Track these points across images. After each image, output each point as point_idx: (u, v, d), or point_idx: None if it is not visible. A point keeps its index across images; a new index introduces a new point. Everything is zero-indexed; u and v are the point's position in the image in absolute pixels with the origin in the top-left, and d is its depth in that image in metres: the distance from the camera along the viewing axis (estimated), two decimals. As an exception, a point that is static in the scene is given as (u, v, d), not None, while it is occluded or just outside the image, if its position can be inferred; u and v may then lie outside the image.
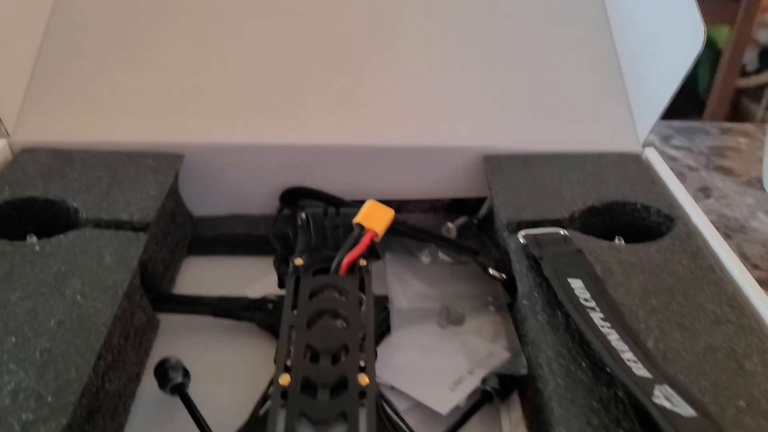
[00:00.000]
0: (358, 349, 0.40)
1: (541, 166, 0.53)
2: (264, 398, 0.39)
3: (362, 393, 0.37)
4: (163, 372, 0.41)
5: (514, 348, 0.44)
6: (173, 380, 0.40)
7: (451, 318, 0.46)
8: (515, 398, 0.43)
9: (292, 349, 0.40)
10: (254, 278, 0.53)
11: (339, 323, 0.42)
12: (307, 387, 0.38)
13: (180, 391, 0.40)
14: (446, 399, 0.42)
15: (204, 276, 0.55)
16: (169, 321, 0.49)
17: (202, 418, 0.38)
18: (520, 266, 0.43)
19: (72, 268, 0.41)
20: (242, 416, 0.38)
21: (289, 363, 0.39)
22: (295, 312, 0.43)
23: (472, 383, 0.43)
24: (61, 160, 0.52)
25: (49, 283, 0.40)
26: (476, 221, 0.56)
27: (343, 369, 0.38)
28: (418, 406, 0.42)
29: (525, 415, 0.42)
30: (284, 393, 0.37)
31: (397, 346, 0.45)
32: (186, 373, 0.41)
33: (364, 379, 0.38)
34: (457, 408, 0.42)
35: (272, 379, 0.39)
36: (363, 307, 0.44)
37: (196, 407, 0.39)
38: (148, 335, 0.46)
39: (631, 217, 0.49)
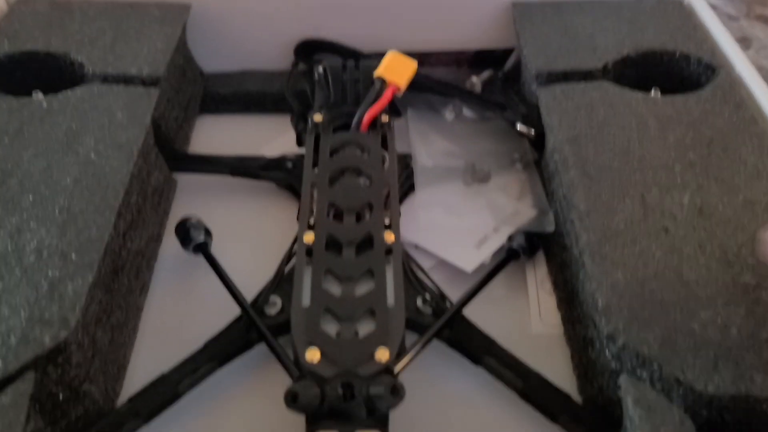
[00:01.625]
0: (383, 206, 0.39)
1: (574, 13, 0.49)
2: (288, 257, 0.39)
3: (388, 250, 0.37)
4: (184, 231, 0.40)
5: (541, 206, 0.43)
6: (195, 239, 0.40)
7: (477, 175, 0.45)
8: (540, 256, 0.43)
9: (314, 207, 0.39)
10: (270, 137, 0.51)
11: (362, 181, 0.41)
12: (332, 245, 0.37)
13: (203, 249, 0.40)
14: (472, 257, 0.41)
15: (218, 135, 0.53)
16: (186, 181, 0.48)
17: (227, 276, 0.38)
18: (550, 119, 0.41)
19: (83, 125, 0.40)
20: (266, 275, 0.38)
21: (312, 221, 0.38)
22: (316, 170, 0.42)
23: (497, 241, 0.42)
24: (59, 12, 0.48)
25: (61, 140, 0.39)
26: (502, 75, 0.53)
27: (367, 227, 0.37)
28: (443, 265, 0.42)
29: (550, 272, 0.41)
30: (309, 251, 0.37)
31: (421, 205, 0.44)
32: (208, 232, 0.40)
33: (389, 237, 0.37)
34: (482, 266, 0.41)
35: (296, 238, 0.39)
36: (386, 165, 0.42)
37: (220, 265, 0.39)
38: (166, 195, 0.45)
39: (669, 68, 0.46)
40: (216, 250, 0.40)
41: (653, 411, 0.27)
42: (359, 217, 0.39)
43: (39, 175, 0.36)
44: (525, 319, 0.40)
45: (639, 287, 0.31)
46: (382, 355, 0.32)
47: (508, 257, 0.40)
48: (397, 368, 0.32)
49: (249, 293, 0.37)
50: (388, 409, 0.30)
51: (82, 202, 0.35)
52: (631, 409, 0.27)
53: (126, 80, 0.44)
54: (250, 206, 0.47)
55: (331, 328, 0.33)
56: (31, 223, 0.34)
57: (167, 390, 0.34)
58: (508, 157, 0.47)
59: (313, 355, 0.32)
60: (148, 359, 0.37)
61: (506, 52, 0.53)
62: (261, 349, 0.36)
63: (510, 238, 0.41)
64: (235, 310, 0.36)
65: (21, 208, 0.34)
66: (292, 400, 0.30)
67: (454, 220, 0.44)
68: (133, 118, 0.40)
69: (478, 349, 0.36)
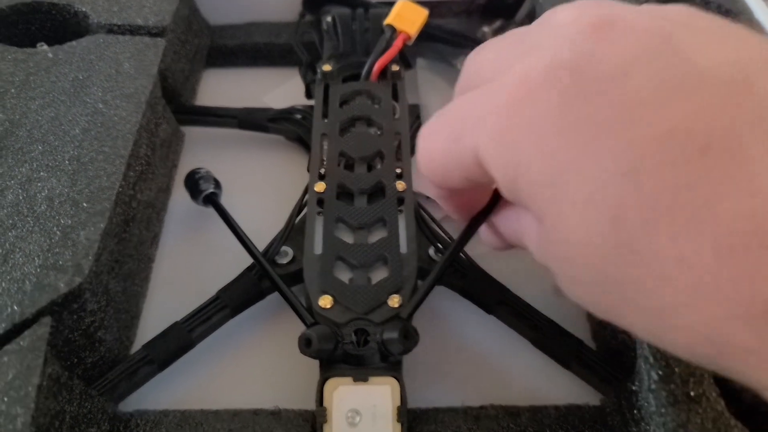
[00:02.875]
0: (394, 156, 0.39)
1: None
2: (299, 207, 0.38)
3: (400, 199, 0.36)
4: (193, 182, 0.40)
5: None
6: (205, 190, 0.39)
7: None
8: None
9: (325, 157, 0.39)
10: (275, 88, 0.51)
11: (373, 131, 0.40)
12: (343, 194, 0.37)
13: (212, 200, 0.40)
14: None
15: (225, 88, 0.52)
16: (193, 134, 0.48)
17: (238, 226, 0.38)
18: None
19: (90, 75, 0.39)
20: (276, 226, 0.38)
21: (323, 171, 0.38)
22: (325, 120, 0.41)
23: None
24: (61, -39, 0.47)
25: (68, 91, 0.38)
26: (514, 25, 0.51)
27: (379, 175, 0.37)
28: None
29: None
30: (320, 200, 0.36)
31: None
32: (217, 184, 0.40)
33: (401, 185, 0.37)
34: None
35: (306, 189, 0.38)
36: (397, 114, 0.41)
37: (230, 216, 0.39)
38: (174, 148, 0.45)
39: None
40: (226, 201, 0.40)
41: (669, 352, 0.27)
42: (370, 167, 0.38)
43: (47, 125, 0.36)
44: (540, 270, 0.40)
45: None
46: (396, 301, 0.32)
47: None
48: (405, 313, 0.32)
49: (260, 244, 0.37)
50: (402, 353, 0.30)
51: (91, 152, 0.35)
52: (646, 348, 0.27)
53: (131, 30, 0.43)
54: (259, 159, 0.46)
55: (343, 275, 0.33)
56: (41, 172, 0.33)
57: (180, 338, 0.34)
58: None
59: (326, 302, 0.32)
60: (161, 309, 0.38)
61: (518, 1, 0.52)
62: (273, 299, 0.36)
63: None
64: (246, 261, 0.36)
65: (31, 158, 0.34)
66: (305, 345, 0.30)
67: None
68: (140, 68, 0.40)
69: (491, 298, 0.36)
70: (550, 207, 0.19)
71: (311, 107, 0.45)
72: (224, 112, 0.46)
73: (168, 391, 0.34)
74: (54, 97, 0.38)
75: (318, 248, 0.34)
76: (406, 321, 0.31)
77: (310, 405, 0.31)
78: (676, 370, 0.26)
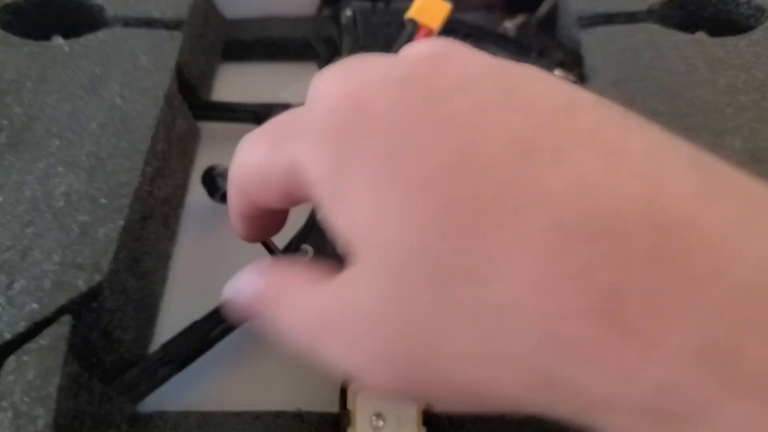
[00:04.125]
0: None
1: (615, -47, 0.47)
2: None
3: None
4: (211, 180, 0.39)
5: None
6: (222, 188, 0.39)
7: None
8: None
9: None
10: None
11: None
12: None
13: None
14: None
15: (241, 83, 0.51)
16: (210, 130, 0.47)
17: None
18: (593, 62, 0.39)
19: (107, 69, 0.38)
20: (295, 225, 0.37)
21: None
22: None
23: None
24: (77, -47, 0.47)
25: (85, 85, 0.37)
26: (536, 20, 0.50)
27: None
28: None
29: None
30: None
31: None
32: None
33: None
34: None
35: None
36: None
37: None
38: (190, 144, 0.44)
39: (716, 9, 0.44)
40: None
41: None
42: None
43: (65, 120, 0.35)
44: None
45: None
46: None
47: None
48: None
49: (279, 243, 0.36)
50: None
51: (109, 147, 0.34)
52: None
53: (148, 23, 0.42)
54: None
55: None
56: (59, 168, 0.33)
57: (200, 337, 0.33)
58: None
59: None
60: (180, 308, 0.37)
61: (541, -4, 0.51)
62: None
63: None
64: (264, 257, 0.36)
65: (48, 153, 0.33)
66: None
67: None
68: (157, 62, 0.39)
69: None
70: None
71: (330, 103, 0.45)
72: (242, 107, 0.46)
73: (188, 392, 0.33)
74: (71, 91, 0.37)
75: (340, 246, 0.33)
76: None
77: (333, 407, 0.31)
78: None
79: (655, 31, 0.40)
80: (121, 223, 0.30)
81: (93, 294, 0.29)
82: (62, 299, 0.27)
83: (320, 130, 0.19)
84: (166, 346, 0.33)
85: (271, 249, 0.33)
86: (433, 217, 0.17)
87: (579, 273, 0.15)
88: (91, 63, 0.39)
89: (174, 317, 0.36)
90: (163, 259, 0.38)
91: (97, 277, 0.28)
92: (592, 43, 0.40)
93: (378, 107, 0.18)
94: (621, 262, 0.15)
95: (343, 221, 0.18)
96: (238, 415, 0.31)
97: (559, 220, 0.15)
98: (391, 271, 0.17)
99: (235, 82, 0.52)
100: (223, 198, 0.39)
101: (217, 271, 0.39)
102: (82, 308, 0.29)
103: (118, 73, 0.38)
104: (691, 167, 0.17)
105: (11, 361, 0.26)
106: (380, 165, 0.18)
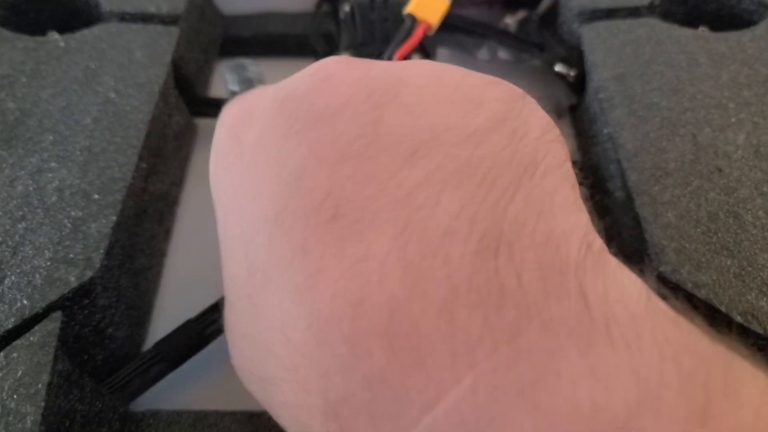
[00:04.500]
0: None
1: (615, -52, 0.46)
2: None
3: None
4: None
5: (572, 150, 0.41)
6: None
7: None
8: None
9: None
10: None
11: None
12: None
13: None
14: None
15: (240, 80, 0.51)
16: (207, 127, 0.46)
17: None
18: (594, 57, 0.39)
19: (101, 64, 0.38)
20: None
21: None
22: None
23: None
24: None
25: (80, 80, 0.37)
26: (537, 16, 0.50)
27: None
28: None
29: (591, 218, 0.39)
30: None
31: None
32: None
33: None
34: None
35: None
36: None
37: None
38: (187, 140, 0.43)
39: (719, 4, 0.43)
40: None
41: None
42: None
43: (58, 114, 0.35)
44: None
45: (692, 228, 0.29)
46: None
47: None
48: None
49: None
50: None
51: (103, 142, 0.33)
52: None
53: (144, 18, 0.42)
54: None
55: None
56: (52, 163, 0.32)
57: (194, 335, 0.33)
58: (541, 104, 0.44)
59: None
60: (174, 306, 0.36)
61: (541, -8, 0.50)
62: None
63: None
64: None
65: (41, 149, 0.33)
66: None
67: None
68: (153, 57, 0.39)
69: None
70: None
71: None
72: (239, 103, 0.45)
73: (181, 391, 0.33)
74: (65, 86, 0.36)
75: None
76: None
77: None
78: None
79: (656, 26, 0.40)
80: (114, 218, 0.30)
81: (85, 290, 0.28)
82: (53, 295, 0.27)
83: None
84: (160, 344, 0.32)
85: None
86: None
87: (320, 373, 0.16)
88: (86, 58, 0.38)
89: (168, 315, 0.36)
90: (158, 256, 0.37)
91: (89, 273, 0.28)
92: (593, 38, 0.40)
93: (248, 135, 0.21)
94: None
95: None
96: (232, 414, 0.30)
97: (318, 316, 0.16)
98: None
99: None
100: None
101: (211, 270, 0.39)
102: (74, 305, 0.28)
103: (113, 67, 0.38)
104: None
105: (0, 358, 0.25)
106: (231, 195, 0.21)
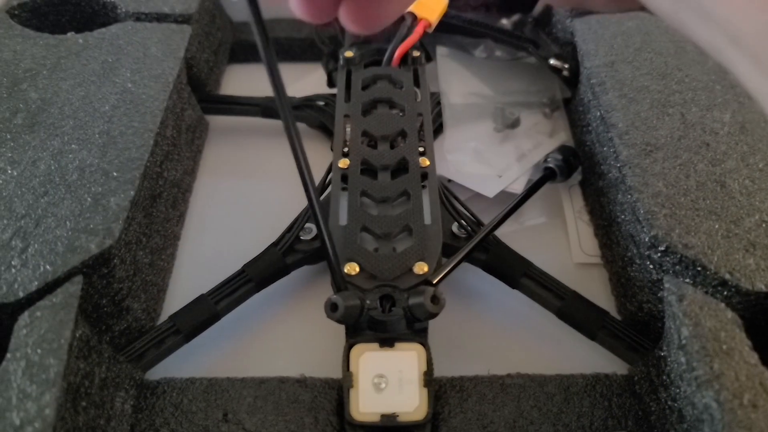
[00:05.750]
0: (417, 135, 0.39)
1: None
2: (323, 185, 0.39)
3: (423, 175, 0.37)
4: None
5: (567, 141, 0.43)
6: None
7: (506, 121, 0.44)
8: (576, 189, 0.42)
9: (347, 137, 0.39)
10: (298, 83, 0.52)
11: (395, 112, 0.41)
12: (367, 170, 0.37)
13: None
14: (493, 184, 0.41)
15: (247, 82, 0.53)
16: (217, 123, 0.48)
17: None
18: (586, 46, 0.41)
19: (119, 58, 0.40)
20: (300, 208, 0.38)
21: (346, 150, 0.38)
22: (348, 103, 0.42)
23: (518, 170, 0.42)
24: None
25: (98, 72, 0.39)
26: (532, 18, 0.52)
27: (402, 152, 0.38)
28: (478, 197, 0.42)
29: (586, 202, 0.41)
30: (344, 176, 0.37)
31: (448, 150, 0.43)
32: None
33: (424, 162, 0.37)
34: (507, 194, 0.41)
35: (329, 168, 0.39)
36: (418, 98, 0.42)
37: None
38: (199, 134, 0.45)
39: None
40: (250, 189, 0.40)
41: (698, 306, 0.27)
42: (393, 146, 0.39)
43: (78, 102, 0.37)
44: (564, 248, 0.40)
45: (681, 196, 0.31)
46: (421, 268, 0.32)
47: (545, 176, 0.40)
48: (435, 279, 0.32)
49: (283, 226, 0.37)
50: (428, 318, 0.30)
51: (120, 126, 0.35)
52: (675, 306, 0.27)
53: (158, 18, 0.44)
54: (282, 146, 0.47)
55: (369, 245, 0.34)
56: (72, 145, 0.34)
57: (206, 309, 0.34)
58: (536, 97, 0.46)
59: (352, 269, 0.32)
60: (187, 284, 0.38)
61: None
62: (297, 275, 0.37)
63: (546, 159, 0.40)
64: (272, 238, 0.37)
65: (62, 132, 0.35)
66: (331, 309, 0.30)
67: (482, 160, 0.43)
68: (167, 52, 0.41)
69: (515, 271, 0.36)
70: None
71: (333, 95, 0.46)
72: (247, 100, 0.47)
73: (195, 362, 0.34)
74: (84, 78, 0.38)
75: (343, 219, 0.34)
76: (432, 286, 0.31)
77: (336, 373, 0.32)
78: (707, 325, 0.26)
79: (645, 18, 0.42)
80: (132, 193, 0.32)
81: (104, 258, 0.30)
82: (74, 261, 0.29)
83: None
84: (174, 317, 0.34)
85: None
86: None
87: None
88: (104, 53, 0.40)
89: (182, 292, 0.37)
90: (171, 238, 0.39)
91: (109, 242, 0.29)
92: (585, 30, 0.42)
93: None
94: None
95: None
96: (242, 381, 0.32)
97: None
98: None
99: (242, 81, 0.53)
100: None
101: (223, 251, 0.40)
102: (94, 273, 0.30)
103: (130, 61, 0.40)
104: None
105: (24, 317, 0.27)
106: None
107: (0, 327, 0.28)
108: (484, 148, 0.43)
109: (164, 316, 0.36)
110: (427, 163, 0.37)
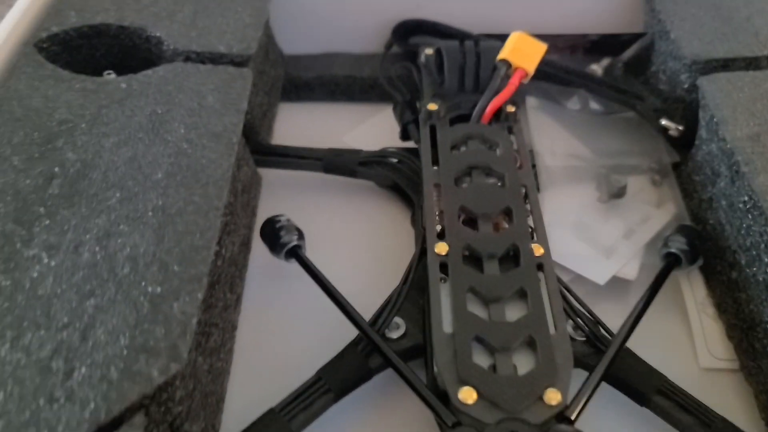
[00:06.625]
0: (525, 213, 0.33)
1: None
2: (408, 272, 0.33)
3: (539, 266, 0.31)
4: (273, 233, 0.34)
5: (679, 214, 0.37)
6: (288, 242, 0.34)
7: (611, 189, 0.38)
8: (694, 274, 0.36)
9: (438, 213, 0.33)
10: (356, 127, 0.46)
11: (492, 181, 0.35)
12: (470, 258, 0.31)
13: (297, 254, 0.34)
14: (602, 267, 0.35)
15: (300, 125, 0.47)
16: (270, 178, 0.42)
17: (328, 282, 0.32)
18: (719, 114, 0.35)
19: (169, 109, 0.34)
20: (369, 286, 0.32)
21: (439, 228, 0.32)
22: (436, 168, 0.36)
23: (628, 250, 0.36)
24: (132, -19, 0.43)
25: (146, 127, 0.33)
26: (622, 63, 0.46)
27: (512, 236, 0.31)
28: (577, 280, 0.36)
29: (712, 294, 0.35)
30: (443, 264, 0.31)
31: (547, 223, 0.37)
32: (300, 234, 0.35)
33: (538, 249, 0.31)
34: (618, 279, 0.35)
35: (420, 251, 0.33)
36: (518, 163, 0.36)
37: (321, 274, 0.33)
38: (253, 193, 0.39)
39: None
40: (310, 257, 0.34)
41: None
42: (496, 226, 0.33)
43: (124, 167, 0.31)
44: (687, 350, 0.34)
45: None
46: (553, 397, 0.26)
47: (669, 264, 0.33)
48: (573, 413, 0.26)
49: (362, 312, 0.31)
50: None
51: (179, 201, 0.29)
52: None
53: (213, 59, 0.38)
54: (346, 207, 0.41)
55: (482, 360, 0.28)
56: (121, 225, 0.28)
57: (279, 429, 0.28)
58: (643, 161, 0.40)
59: (467, 395, 0.26)
60: (247, 388, 0.32)
61: (632, 39, 0.47)
62: (380, 379, 0.31)
63: (665, 243, 0.34)
64: (341, 328, 0.31)
65: (108, 208, 0.29)
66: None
67: (586, 233, 0.37)
68: (227, 102, 0.35)
69: (646, 386, 0.29)
70: None
71: (407, 150, 0.40)
72: (308, 153, 0.41)
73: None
74: (131, 134, 0.32)
75: (447, 325, 0.28)
76: (571, 424, 0.25)
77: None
78: None
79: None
80: (200, 296, 0.25)
81: (167, 385, 0.23)
82: (133, 395, 0.22)
83: None
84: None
85: None
86: None
87: None
88: (151, 102, 0.34)
89: (242, 399, 0.31)
90: (230, 329, 0.32)
91: (176, 366, 0.23)
92: (714, 91, 0.36)
93: None
94: None
95: None
96: None
97: None
98: None
99: (294, 123, 0.47)
100: (288, 255, 0.34)
101: (286, 343, 0.34)
102: (152, 403, 0.23)
103: (183, 113, 0.34)
104: None
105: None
106: None
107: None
108: (587, 221, 0.37)
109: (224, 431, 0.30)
110: (542, 251, 0.31)
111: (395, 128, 0.42)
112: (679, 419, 0.29)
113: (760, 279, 0.31)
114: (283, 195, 0.41)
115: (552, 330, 0.28)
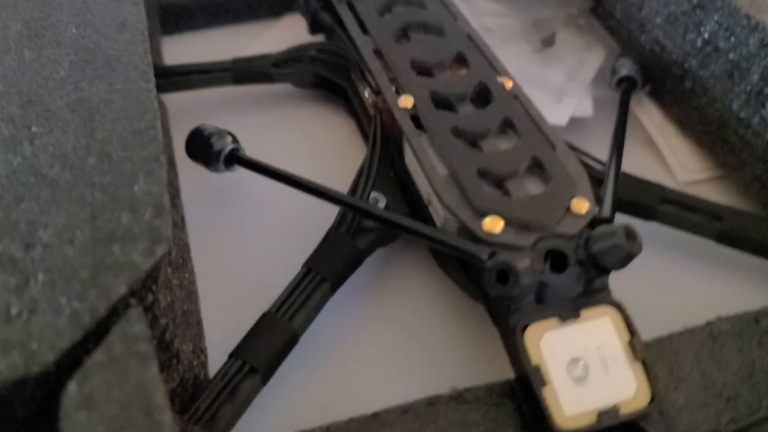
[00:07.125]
0: (480, 55, 0.30)
1: None
2: (373, 143, 0.29)
3: (514, 97, 0.28)
4: (204, 143, 0.29)
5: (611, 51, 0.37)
6: (224, 146, 0.28)
7: (543, 36, 0.37)
8: (648, 104, 0.36)
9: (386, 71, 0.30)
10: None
11: (432, 37, 0.32)
12: (440, 105, 0.28)
13: (237, 158, 0.29)
14: (559, 111, 0.34)
15: (188, 59, 0.41)
16: (175, 105, 0.36)
17: (288, 172, 0.27)
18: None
19: (49, 14, 0.28)
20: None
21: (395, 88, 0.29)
22: (367, 36, 0.32)
23: (577, 90, 0.35)
24: None
25: (26, 34, 0.26)
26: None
27: (476, 75, 0.29)
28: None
29: (668, 113, 0.35)
30: (414, 118, 0.27)
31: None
32: (234, 138, 0.30)
33: (507, 82, 0.29)
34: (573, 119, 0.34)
35: (374, 129, 0.29)
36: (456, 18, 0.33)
37: (269, 165, 0.28)
38: (163, 121, 0.33)
39: None
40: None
41: None
42: (453, 75, 0.30)
43: (14, 74, 0.24)
44: (661, 172, 0.33)
45: None
46: (581, 205, 0.24)
47: (627, 90, 0.32)
48: (607, 213, 0.24)
49: (307, 217, 0.27)
50: (625, 263, 0.22)
51: (99, 92, 0.24)
52: None
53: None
54: (270, 120, 0.36)
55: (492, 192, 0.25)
56: (32, 128, 0.22)
57: (280, 330, 0.24)
58: (560, 10, 0.40)
59: (493, 224, 0.23)
60: (220, 311, 0.26)
61: None
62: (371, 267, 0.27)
63: (614, 71, 0.34)
64: (295, 238, 0.27)
65: (10, 115, 0.22)
66: (500, 280, 0.21)
67: (534, 84, 0.36)
68: None
69: (648, 198, 0.28)
70: None
71: (324, 43, 0.36)
72: (213, 66, 0.36)
73: (287, 413, 0.24)
74: (9, 45, 0.26)
75: (441, 168, 0.25)
76: (609, 222, 0.23)
77: (500, 374, 0.23)
78: None
79: None
80: (163, 174, 0.20)
81: (153, 278, 0.19)
82: (117, 287, 0.17)
83: None
84: (240, 351, 0.23)
85: None
86: None
87: None
88: (22, 10, 0.28)
89: (219, 323, 0.26)
90: (186, 250, 0.28)
91: (161, 249, 0.18)
92: None
93: None
94: None
95: None
96: (375, 416, 0.22)
97: None
98: None
99: (181, 56, 0.41)
100: (228, 162, 0.29)
101: (243, 256, 0.29)
102: (139, 304, 0.18)
103: (67, 14, 0.28)
104: None
105: (72, 392, 0.15)
106: None
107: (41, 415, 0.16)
108: (530, 70, 0.36)
109: (212, 359, 0.25)
110: (511, 84, 0.29)
111: (292, 41, 0.37)
112: (690, 221, 0.28)
113: (718, 73, 0.31)
114: (194, 122, 0.36)
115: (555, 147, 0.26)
